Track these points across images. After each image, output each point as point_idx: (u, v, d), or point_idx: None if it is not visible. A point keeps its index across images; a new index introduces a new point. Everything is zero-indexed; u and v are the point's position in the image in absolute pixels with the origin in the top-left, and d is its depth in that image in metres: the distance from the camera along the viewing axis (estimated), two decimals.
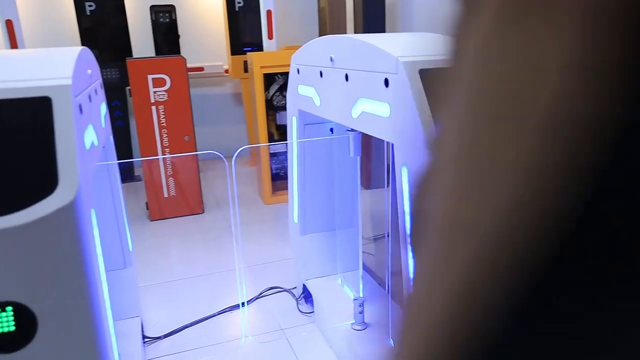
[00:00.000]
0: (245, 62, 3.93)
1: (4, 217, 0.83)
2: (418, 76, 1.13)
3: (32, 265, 0.84)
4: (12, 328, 0.84)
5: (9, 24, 3.42)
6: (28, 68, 1.04)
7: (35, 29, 4.24)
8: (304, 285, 2.21)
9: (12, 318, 0.84)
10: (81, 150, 0.93)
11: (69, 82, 0.94)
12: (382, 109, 1.29)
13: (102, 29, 4.12)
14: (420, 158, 1.14)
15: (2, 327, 0.84)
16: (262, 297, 2.31)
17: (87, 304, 0.88)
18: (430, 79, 1.13)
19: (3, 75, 0.96)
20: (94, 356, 0.90)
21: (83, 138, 1.01)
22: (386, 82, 1.24)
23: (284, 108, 3.29)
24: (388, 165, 1.78)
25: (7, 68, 1.05)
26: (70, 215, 0.85)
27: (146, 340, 2.00)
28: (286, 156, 2.49)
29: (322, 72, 1.64)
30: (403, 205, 1.23)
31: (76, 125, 0.92)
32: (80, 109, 1.02)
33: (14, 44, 3.47)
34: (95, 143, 1.21)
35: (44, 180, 0.86)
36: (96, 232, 1.04)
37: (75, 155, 0.88)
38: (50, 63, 1.09)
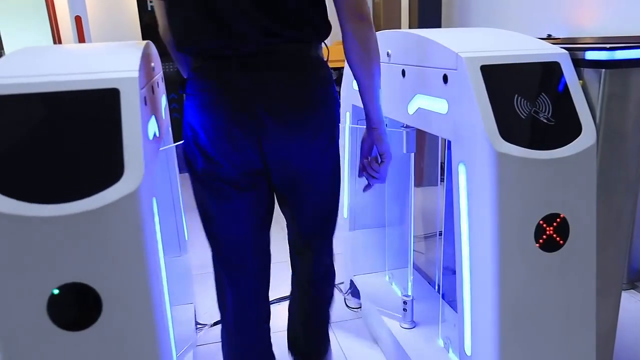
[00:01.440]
0: None
1: (73, 203, 0.87)
2: (479, 72, 1.10)
3: (99, 249, 0.88)
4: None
5: (77, 20, 3.59)
6: (97, 61, 1.08)
7: (101, 25, 4.43)
8: (351, 280, 2.21)
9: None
10: (145, 141, 0.97)
11: (135, 74, 0.98)
12: (439, 106, 1.27)
13: None
14: (479, 155, 1.11)
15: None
16: None
17: (148, 288, 0.91)
18: (492, 75, 1.10)
19: (74, 68, 1.00)
20: (153, 338, 0.93)
21: (147, 129, 1.05)
22: (445, 79, 1.21)
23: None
24: (442, 162, 1.75)
25: (78, 61, 1.10)
26: (134, 202, 0.88)
27: (198, 326, 2.07)
28: None
29: None
30: (458, 203, 1.21)
31: (142, 116, 0.95)
32: (145, 101, 1.06)
33: (82, 39, 3.64)
34: (157, 134, 1.25)
35: (111, 168, 0.90)
36: (157, 219, 1.08)
37: (140, 145, 0.92)
38: (117, 56, 1.13)
